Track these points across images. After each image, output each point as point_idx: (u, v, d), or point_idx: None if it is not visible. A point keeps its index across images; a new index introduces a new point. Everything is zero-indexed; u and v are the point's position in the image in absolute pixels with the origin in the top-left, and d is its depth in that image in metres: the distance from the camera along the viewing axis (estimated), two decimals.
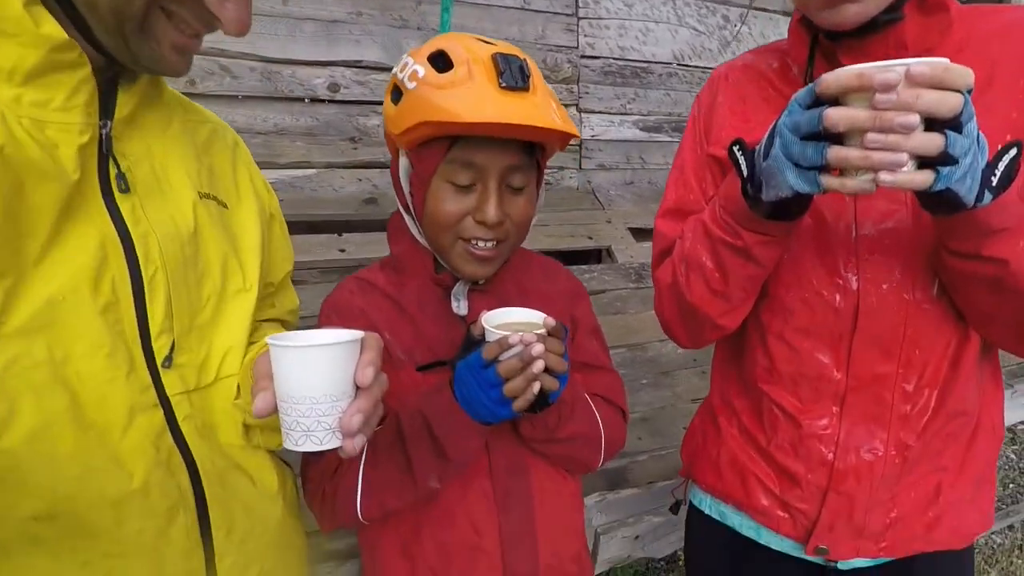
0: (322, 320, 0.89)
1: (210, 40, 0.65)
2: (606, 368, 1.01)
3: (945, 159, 0.55)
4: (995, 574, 2.54)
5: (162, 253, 0.63)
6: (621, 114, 2.94)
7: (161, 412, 0.63)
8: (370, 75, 2.42)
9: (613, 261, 2.50)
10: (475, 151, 0.77)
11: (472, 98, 0.72)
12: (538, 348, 0.72)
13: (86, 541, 0.57)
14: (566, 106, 2.81)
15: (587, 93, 2.84)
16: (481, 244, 0.81)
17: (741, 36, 3.26)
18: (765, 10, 3.23)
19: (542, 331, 0.74)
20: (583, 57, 2.82)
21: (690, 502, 1.05)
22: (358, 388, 0.60)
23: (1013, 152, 0.59)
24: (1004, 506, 3.04)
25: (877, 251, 0.77)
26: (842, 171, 0.59)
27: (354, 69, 2.39)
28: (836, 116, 0.56)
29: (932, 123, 0.55)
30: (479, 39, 0.81)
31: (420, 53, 0.80)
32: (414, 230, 0.88)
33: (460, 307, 0.87)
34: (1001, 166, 0.59)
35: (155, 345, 0.62)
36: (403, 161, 0.83)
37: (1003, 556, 2.66)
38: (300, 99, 2.33)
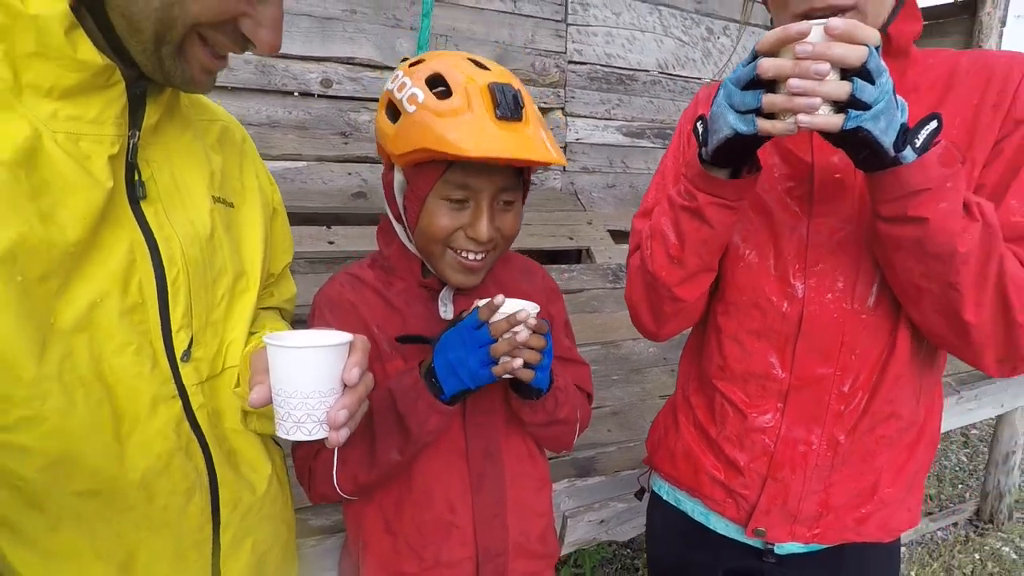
0: (315, 313, 0.94)
1: None
2: (577, 360, 1.11)
3: (854, 103, 0.63)
4: (937, 566, 2.71)
5: (184, 255, 0.68)
6: (605, 119, 3.04)
7: (180, 402, 0.69)
8: (363, 72, 2.48)
9: (592, 261, 2.60)
10: (470, 175, 0.82)
11: (472, 130, 0.76)
12: (522, 314, 0.80)
13: (120, 515, 0.65)
14: (552, 109, 2.89)
15: (573, 97, 2.93)
16: (471, 256, 0.87)
17: (724, 48, 3.37)
18: (750, 24, 3.34)
19: (531, 312, 0.82)
20: (571, 62, 2.90)
21: (652, 489, 1.15)
22: (345, 386, 0.66)
23: (934, 124, 0.69)
24: (952, 504, 3.23)
25: (822, 261, 0.86)
26: (773, 116, 0.69)
27: (347, 66, 2.45)
28: (766, 64, 0.66)
29: (846, 74, 0.64)
30: (471, 60, 0.85)
31: (416, 74, 0.83)
32: (403, 237, 0.93)
33: (447, 312, 0.94)
34: (923, 134, 0.68)
35: (175, 340, 0.68)
36: (398, 176, 0.88)
37: (945, 550, 2.83)
38: (293, 93, 2.38)
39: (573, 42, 2.89)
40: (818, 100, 0.64)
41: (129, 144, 0.65)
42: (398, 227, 0.94)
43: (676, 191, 0.86)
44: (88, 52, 0.58)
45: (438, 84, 0.82)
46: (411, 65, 0.86)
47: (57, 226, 0.58)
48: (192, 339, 0.70)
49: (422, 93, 0.80)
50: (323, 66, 2.40)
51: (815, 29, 0.63)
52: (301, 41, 2.34)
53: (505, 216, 0.89)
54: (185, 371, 0.70)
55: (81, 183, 0.59)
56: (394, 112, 0.84)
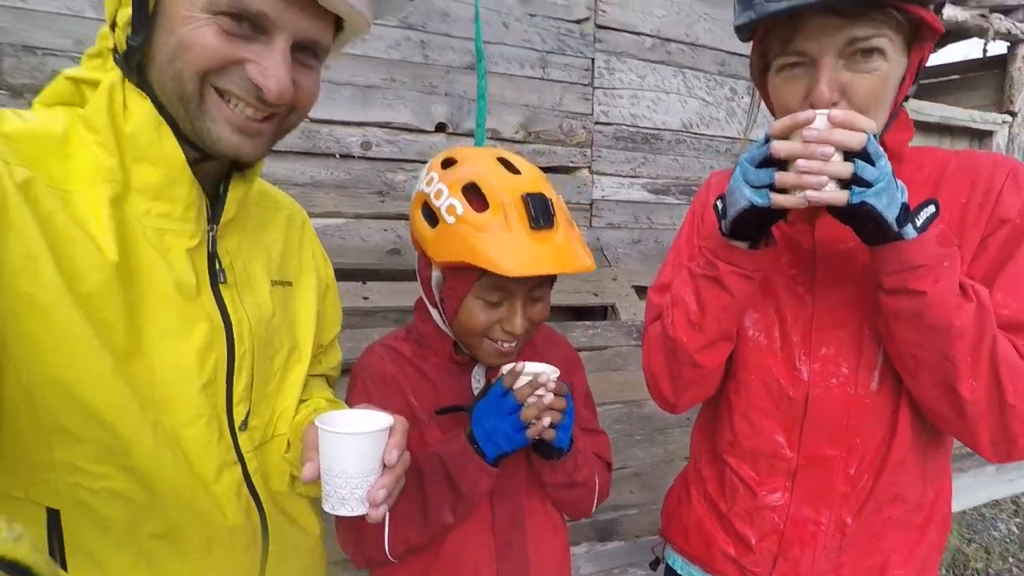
0: (357, 384, 1.02)
1: None
2: (597, 430, 1.17)
3: (858, 181, 0.71)
4: None
5: (251, 335, 0.77)
6: (631, 177, 3.13)
7: (239, 467, 0.77)
8: (400, 135, 2.63)
9: (617, 318, 2.64)
10: (506, 281, 0.88)
11: (511, 248, 0.83)
12: (543, 377, 0.88)
13: (180, 561, 0.72)
14: (579, 168, 3.00)
15: (599, 156, 3.03)
16: (507, 345, 0.95)
17: (747, 107, 3.45)
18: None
19: (551, 376, 0.90)
20: (597, 123, 3.02)
21: (666, 561, 1.17)
22: (385, 466, 0.72)
23: (932, 209, 0.76)
24: None
25: (825, 346, 0.91)
26: (784, 191, 0.76)
27: (385, 129, 2.60)
28: (779, 146, 0.75)
29: (848, 156, 0.72)
30: (500, 160, 0.91)
31: (451, 179, 0.88)
32: (438, 320, 1.01)
33: (480, 385, 1.02)
34: (923, 215, 0.75)
35: (235, 411, 0.76)
36: (435, 273, 0.95)
37: None
38: (335, 155, 2.53)
39: (599, 104, 3.01)
40: (825, 178, 0.72)
41: (209, 237, 0.74)
42: (433, 312, 1.01)
43: (696, 263, 0.92)
44: (171, 146, 0.66)
45: (476, 197, 0.88)
46: (443, 166, 0.93)
47: (135, 320, 0.66)
48: (249, 410, 0.78)
49: (461, 206, 0.86)
50: (363, 130, 2.56)
51: (819, 117, 0.72)
52: (344, 108, 2.51)
53: (535, 307, 0.96)
54: (242, 439, 0.77)
55: (159, 273, 0.68)
56: (431, 216, 0.91)
